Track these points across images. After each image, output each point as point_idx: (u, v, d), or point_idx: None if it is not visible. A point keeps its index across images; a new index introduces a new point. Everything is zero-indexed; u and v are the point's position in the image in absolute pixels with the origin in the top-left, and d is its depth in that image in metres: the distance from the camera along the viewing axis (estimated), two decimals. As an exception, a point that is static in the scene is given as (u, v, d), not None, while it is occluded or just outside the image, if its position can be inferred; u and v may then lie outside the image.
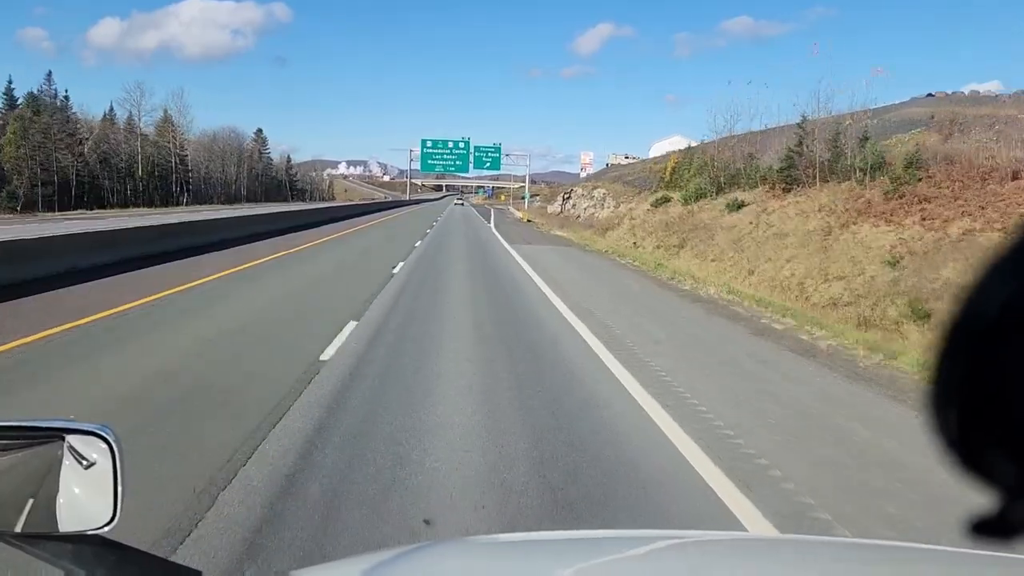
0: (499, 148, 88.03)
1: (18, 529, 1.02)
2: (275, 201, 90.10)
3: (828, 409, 5.59)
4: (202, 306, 9.26)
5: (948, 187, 16.59)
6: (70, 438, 1.06)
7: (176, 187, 67.97)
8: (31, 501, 1.04)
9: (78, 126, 56.76)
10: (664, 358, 7.00)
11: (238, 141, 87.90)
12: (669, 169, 44.46)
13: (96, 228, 16.04)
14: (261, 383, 5.46)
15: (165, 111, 69.36)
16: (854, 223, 17.55)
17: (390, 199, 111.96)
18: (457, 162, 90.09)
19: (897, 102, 30.82)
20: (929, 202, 17.09)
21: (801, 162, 24.61)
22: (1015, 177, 16.44)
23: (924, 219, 16.06)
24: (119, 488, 1.05)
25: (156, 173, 65.59)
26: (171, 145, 67.44)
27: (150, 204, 59.92)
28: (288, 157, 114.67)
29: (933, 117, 25.55)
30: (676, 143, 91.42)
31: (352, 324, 8.02)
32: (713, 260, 22.03)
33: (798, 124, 26.73)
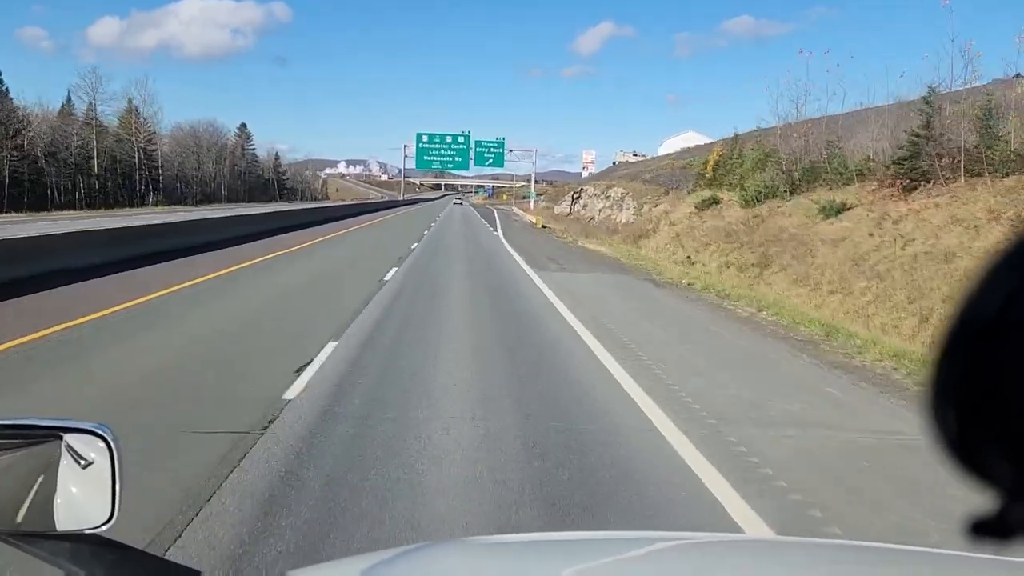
0: (502, 143, 79.53)
1: (16, 528, 1.03)
2: (260, 201, 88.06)
3: None
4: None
5: None
6: (68, 437, 1.07)
7: (141, 185, 59.93)
8: (29, 500, 1.05)
9: (14, 115, 47.78)
10: None
11: (217, 136, 79.23)
12: (711, 164, 39.16)
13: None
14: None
15: (130, 101, 61.34)
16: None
17: (386, 199, 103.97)
18: (456, 158, 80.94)
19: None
20: None
21: (931, 149, 18.94)
22: None
23: None
24: (117, 487, 1.06)
25: (119, 170, 57.21)
26: (134, 139, 58.93)
27: (109, 204, 51.71)
28: (276, 154, 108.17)
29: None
30: (690, 139, 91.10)
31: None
32: (832, 291, 16.71)
33: (924, 99, 20.57)
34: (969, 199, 15.82)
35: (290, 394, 5.58)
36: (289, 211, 35.24)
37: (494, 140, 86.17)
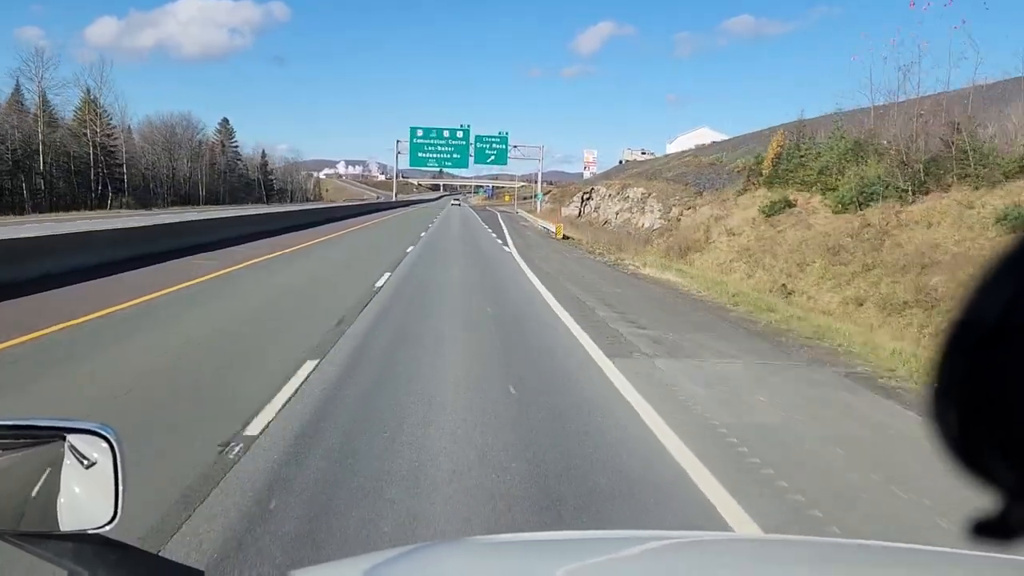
0: (505, 138, 73.20)
1: (19, 528, 1.08)
2: (244, 203, 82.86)
3: None
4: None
5: None
6: (71, 437, 1.11)
7: (98, 185, 52.12)
8: (32, 500, 1.10)
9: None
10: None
11: (193, 131, 72.21)
12: (769, 157, 31.71)
13: None
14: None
15: (87, 91, 53.82)
16: None
17: (380, 199, 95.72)
18: (455, 155, 74.15)
19: None
20: None
21: None
22: None
23: None
24: (120, 487, 1.10)
25: (72, 168, 49.50)
26: (89, 132, 51.19)
27: (59, 207, 43.98)
28: (263, 152, 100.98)
29: None
30: (703, 135, 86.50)
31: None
32: None
33: None
34: None
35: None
36: (235, 218, 27.88)
37: (496, 135, 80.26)
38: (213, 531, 3.57)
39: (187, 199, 79.46)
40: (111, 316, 9.62)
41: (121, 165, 67.66)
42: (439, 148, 77.67)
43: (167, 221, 23.52)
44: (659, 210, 46.51)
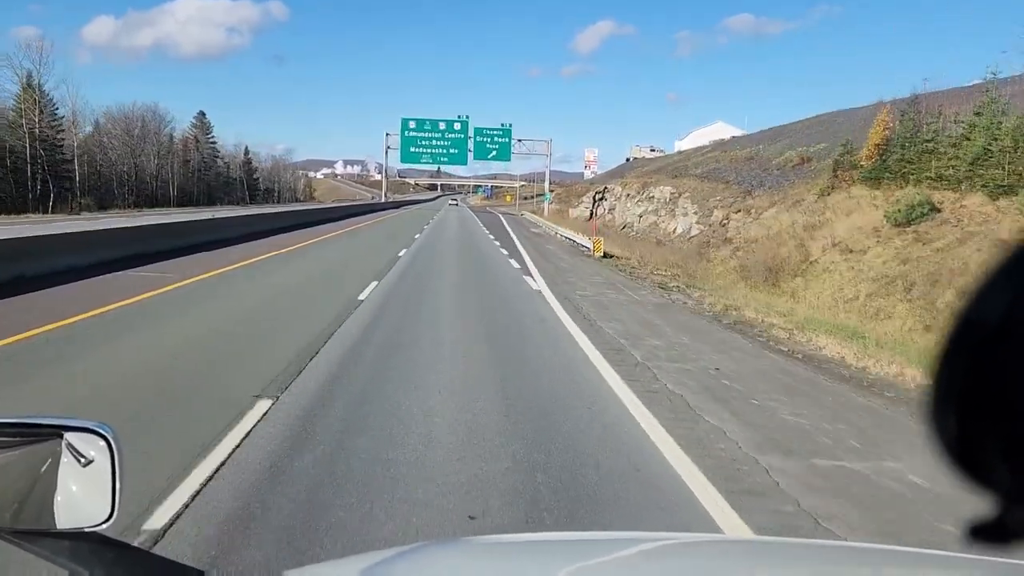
0: (508, 131, 63.93)
1: (16, 526, 1.07)
2: (224, 204, 75.04)
3: None
4: None
5: None
6: (68, 435, 1.10)
7: (37, 183, 44.33)
8: (29, 498, 1.09)
9: None
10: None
11: (159, 125, 64.59)
12: (871, 145, 23.17)
13: None
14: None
15: (28, 75, 45.98)
16: None
17: (376, 200, 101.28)
18: (452, 150, 65.83)
19: None
20: None
21: None
22: None
23: None
24: (117, 486, 1.09)
25: (8, 164, 41.91)
26: (25, 121, 43.56)
27: None
28: (246, 149, 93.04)
29: None
30: (720, 130, 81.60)
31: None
32: None
33: None
34: None
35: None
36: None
37: (498, 127, 71.80)
38: None
39: (154, 199, 70.91)
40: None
41: (71, 161, 59.30)
42: (434, 142, 67.64)
43: (63, 231, 17.97)
44: (695, 212, 38.67)
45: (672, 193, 43.94)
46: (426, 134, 67.88)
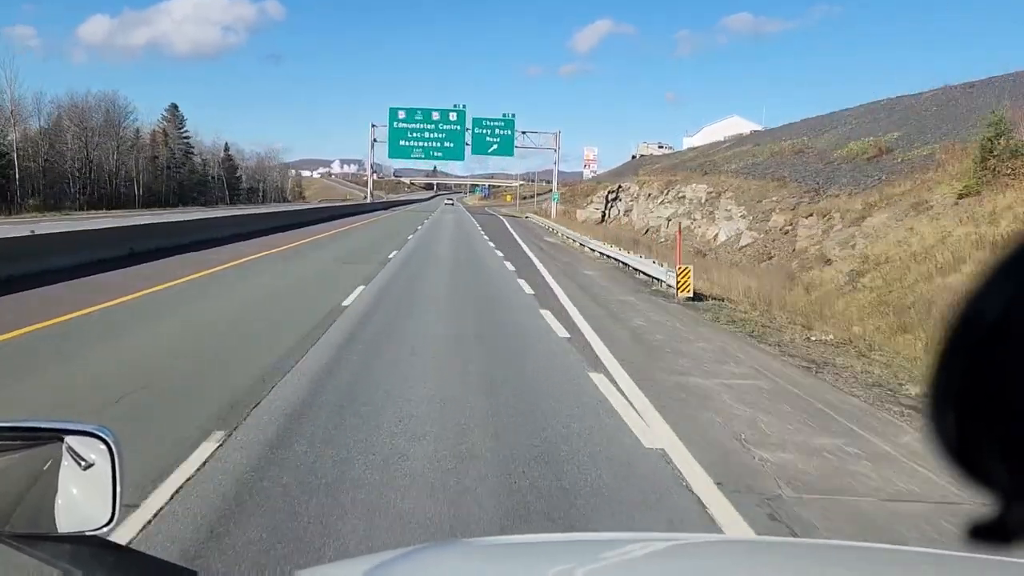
0: (511, 122, 57.58)
1: (16, 530, 1.07)
2: (198, 205, 69.94)
3: None
4: None
5: None
6: (69, 439, 1.11)
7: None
8: (29, 502, 1.10)
9: None
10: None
11: (119, 117, 59.08)
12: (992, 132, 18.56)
13: None
14: None
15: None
16: None
17: (368, 200, 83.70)
18: (447, 144, 60.20)
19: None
20: None
21: None
22: None
23: None
24: (117, 489, 1.09)
25: None
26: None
27: None
28: (226, 145, 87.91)
29: None
30: (736, 124, 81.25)
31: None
32: None
33: None
34: None
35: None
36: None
37: (499, 118, 62.41)
38: None
39: (114, 199, 63.74)
40: None
41: (6, 155, 52.00)
42: (426, 135, 59.76)
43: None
44: (742, 216, 32.71)
45: (709, 192, 36.39)
46: (417, 125, 60.15)
